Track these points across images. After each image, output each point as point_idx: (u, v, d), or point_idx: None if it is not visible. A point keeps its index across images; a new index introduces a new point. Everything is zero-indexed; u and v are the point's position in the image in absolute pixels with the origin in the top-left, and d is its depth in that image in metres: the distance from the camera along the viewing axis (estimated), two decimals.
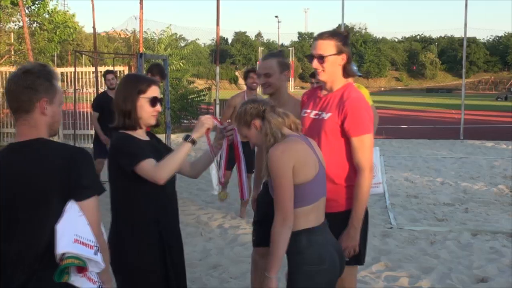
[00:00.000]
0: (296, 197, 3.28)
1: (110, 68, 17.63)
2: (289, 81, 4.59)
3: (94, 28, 14.06)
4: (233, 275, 6.23)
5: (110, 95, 10.03)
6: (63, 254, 2.53)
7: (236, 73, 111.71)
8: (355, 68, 8.29)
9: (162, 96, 3.87)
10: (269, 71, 4.44)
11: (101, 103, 10.02)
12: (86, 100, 16.69)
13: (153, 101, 3.57)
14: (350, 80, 8.39)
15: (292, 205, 3.26)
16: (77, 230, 2.59)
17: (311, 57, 3.94)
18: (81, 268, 2.57)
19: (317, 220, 3.38)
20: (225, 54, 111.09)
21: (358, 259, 3.99)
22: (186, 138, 3.51)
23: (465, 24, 20.54)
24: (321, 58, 3.88)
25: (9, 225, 2.64)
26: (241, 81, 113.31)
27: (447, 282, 6.05)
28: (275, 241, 3.26)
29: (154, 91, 3.59)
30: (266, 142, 3.38)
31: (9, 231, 2.64)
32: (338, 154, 3.85)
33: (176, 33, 26.42)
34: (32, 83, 2.70)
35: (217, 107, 20.68)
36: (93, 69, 16.85)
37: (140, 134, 3.60)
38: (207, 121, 3.58)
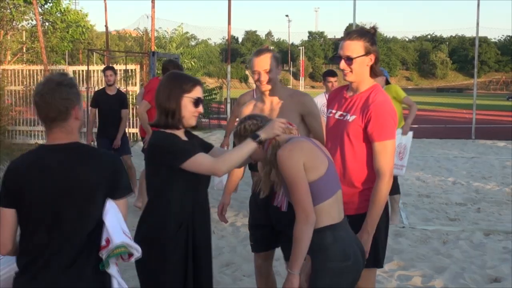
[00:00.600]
0: (313, 194, 3.26)
1: (122, 66, 17.72)
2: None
3: (106, 27, 14.13)
4: (246, 273, 6.24)
5: (107, 91, 10.04)
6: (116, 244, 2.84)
7: (246, 72, 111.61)
8: (386, 74, 8.33)
9: None
10: (268, 67, 4.32)
11: (97, 99, 10.04)
12: None
13: (197, 102, 3.55)
14: (380, 79, 8.34)
15: (311, 201, 3.24)
16: (121, 224, 2.91)
17: (338, 58, 3.87)
18: (122, 256, 2.89)
19: (339, 215, 3.38)
20: (235, 53, 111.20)
21: (377, 261, 3.94)
22: (254, 137, 3.42)
23: (477, 24, 20.47)
24: (349, 60, 3.81)
25: (53, 218, 2.87)
26: (251, 80, 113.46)
27: (460, 282, 6.04)
28: (298, 239, 3.23)
29: (198, 91, 3.58)
30: (267, 157, 3.41)
31: (53, 223, 2.87)
32: (359, 157, 3.82)
33: (187, 32, 26.52)
34: (67, 94, 2.92)
35: (228, 106, 20.73)
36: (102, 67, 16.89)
37: (180, 134, 3.56)
38: (279, 128, 3.46)
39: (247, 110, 4.57)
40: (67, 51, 28.60)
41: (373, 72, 3.89)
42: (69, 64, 43.52)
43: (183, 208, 3.49)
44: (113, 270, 2.90)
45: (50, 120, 2.92)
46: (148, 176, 3.55)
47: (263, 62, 4.32)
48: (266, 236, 4.49)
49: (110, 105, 9.90)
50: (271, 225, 4.37)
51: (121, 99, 10.05)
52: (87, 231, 2.88)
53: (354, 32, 3.89)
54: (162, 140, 3.47)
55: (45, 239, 2.86)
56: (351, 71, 3.84)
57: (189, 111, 3.52)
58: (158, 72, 14.86)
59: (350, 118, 3.82)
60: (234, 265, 6.48)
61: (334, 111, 4.00)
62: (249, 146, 3.40)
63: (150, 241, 3.41)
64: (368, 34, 3.86)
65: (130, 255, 2.90)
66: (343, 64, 3.85)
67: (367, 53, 3.81)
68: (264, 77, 4.31)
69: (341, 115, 3.91)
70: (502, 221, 8.67)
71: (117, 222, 2.89)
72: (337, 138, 3.88)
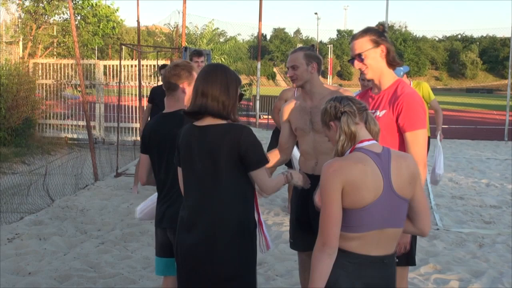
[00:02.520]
0: (346, 221, 2.91)
1: (152, 62, 17.71)
2: (319, 73, 4.54)
3: (138, 22, 14.10)
4: (278, 272, 6.15)
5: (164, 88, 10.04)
6: None
7: (274, 70, 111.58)
8: (406, 70, 8.24)
9: None
10: (295, 63, 4.42)
11: (153, 95, 10.06)
12: (129, 93, 16.78)
13: (241, 96, 3.64)
14: (409, 80, 8.27)
15: (337, 231, 2.88)
16: None
17: (352, 61, 3.90)
18: None
19: (363, 249, 2.94)
20: (263, 50, 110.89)
21: (409, 259, 3.90)
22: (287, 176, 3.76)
23: None
24: (360, 56, 3.82)
25: (165, 163, 4.05)
26: (278, 77, 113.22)
27: (499, 287, 5.88)
28: (313, 266, 2.93)
29: None
30: (336, 146, 3.02)
31: (166, 166, 4.06)
32: None
33: (217, 28, 26.48)
34: (178, 72, 4.12)
35: (257, 102, 20.63)
36: (135, 62, 16.92)
37: None
38: (305, 185, 4.04)
39: (288, 109, 4.63)
40: (96, 46, 28.71)
41: (390, 63, 3.85)
42: (98, 58, 43.74)
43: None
44: None
45: (166, 89, 4.17)
46: (232, 172, 3.44)
47: (290, 59, 4.46)
48: (308, 236, 4.41)
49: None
50: (311, 223, 4.29)
51: None
52: (173, 173, 3.88)
53: (357, 32, 3.91)
54: (253, 135, 3.46)
55: (164, 177, 4.08)
56: (367, 67, 3.83)
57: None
58: None
59: (381, 113, 3.81)
60: (266, 265, 6.38)
61: None
62: (281, 180, 3.70)
63: (244, 236, 3.47)
64: (372, 29, 3.86)
65: None
66: (357, 63, 3.86)
67: (376, 45, 3.80)
68: (290, 73, 4.45)
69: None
70: None
71: None
72: None
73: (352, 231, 2.91)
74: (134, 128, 16.77)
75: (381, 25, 3.92)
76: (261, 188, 3.48)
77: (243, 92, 3.67)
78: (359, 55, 3.81)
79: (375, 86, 3.95)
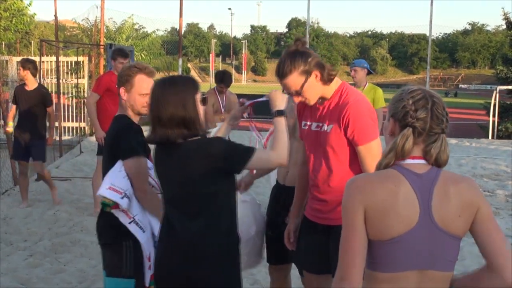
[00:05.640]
0: (368, 254, 2.34)
1: (67, 58, 17.06)
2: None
3: (56, 17, 13.57)
4: None
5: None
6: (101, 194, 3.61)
7: (189, 65, 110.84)
8: (367, 66, 8.14)
9: None
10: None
11: (15, 95, 9.31)
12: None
13: (204, 99, 3.23)
14: (362, 72, 8.32)
15: (358, 264, 2.29)
16: (114, 180, 3.55)
17: (289, 95, 3.54)
18: (116, 205, 3.52)
19: None
20: (178, 46, 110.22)
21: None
22: (278, 113, 3.38)
23: (430, 21, 20.60)
24: (298, 93, 3.49)
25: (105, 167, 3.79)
26: (193, 72, 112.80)
27: None
28: None
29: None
30: (380, 159, 2.42)
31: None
32: (345, 165, 3.54)
33: (137, 23, 25.89)
34: (119, 75, 3.85)
35: None
36: (52, 58, 16.36)
37: None
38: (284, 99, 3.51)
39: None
40: (3, 42, 27.47)
41: (325, 80, 3.51)
42: (9, 54, 41.89)
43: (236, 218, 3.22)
44: (117, 213, 3.54)
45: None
46: (204, 185, 3.06)
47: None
48: (281, 249, 4.16)
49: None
50: (282, 236, 4.05)
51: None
52: None
53: (281, 67, 3.47)
54: (225, 142, 3.10)
55: None
56: (307, 98, 3.52)
57: (202, 113, 3.16)
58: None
59: (328, 128, 3.54)
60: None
61: (308, 122, 3.70)
62: (282, 122, 3.32)
63: (224, 260, 3.08)
64: (297, 56, 3.46)
65: (115, 205, 3.51)
66: (296, 98, 3.54)
67: (308, 75, 3.45)
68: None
69: (317, 126, 3.62)
70: None
71: (109, 177, 3.57)
72: (319, 151, 3.60)
73: (381, 269, 2.31)
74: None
75: (298, 40, 3.52)
76: (268, 165, 3.27)
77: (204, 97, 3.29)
78: (297, 92, 3.47)
79: (320, 98, 3.63)
